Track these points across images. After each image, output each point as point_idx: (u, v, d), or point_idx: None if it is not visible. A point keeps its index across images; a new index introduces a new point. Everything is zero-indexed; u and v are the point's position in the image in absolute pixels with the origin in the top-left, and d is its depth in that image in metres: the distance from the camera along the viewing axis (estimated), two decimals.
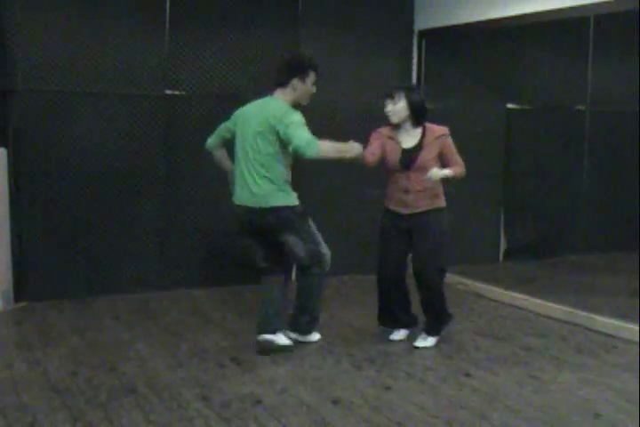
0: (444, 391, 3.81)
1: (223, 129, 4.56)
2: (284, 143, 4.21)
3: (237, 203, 4.40)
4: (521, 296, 5.63)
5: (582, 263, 6.84)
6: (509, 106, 6.90)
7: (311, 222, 4.44)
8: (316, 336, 4.64)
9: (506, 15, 5.63)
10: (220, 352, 4.36)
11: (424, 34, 6.51)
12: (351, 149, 4.26)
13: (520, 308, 5.54)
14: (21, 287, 5.34)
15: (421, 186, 4.38)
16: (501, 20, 5.69)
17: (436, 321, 4.56)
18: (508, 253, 7.07)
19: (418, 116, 4.40)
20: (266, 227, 4.36)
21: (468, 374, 4.05)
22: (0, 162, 5.12)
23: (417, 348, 4.48)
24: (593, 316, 5.04)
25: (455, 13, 6.12)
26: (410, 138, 4.43)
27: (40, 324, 4.87)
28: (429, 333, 4.56)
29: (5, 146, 5.18)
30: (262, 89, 5.78)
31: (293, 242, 4.35)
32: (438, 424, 3.40)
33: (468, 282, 6.11)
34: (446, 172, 4.34)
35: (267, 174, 4.26)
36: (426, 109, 4.43)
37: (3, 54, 5.13)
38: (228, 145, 4.55)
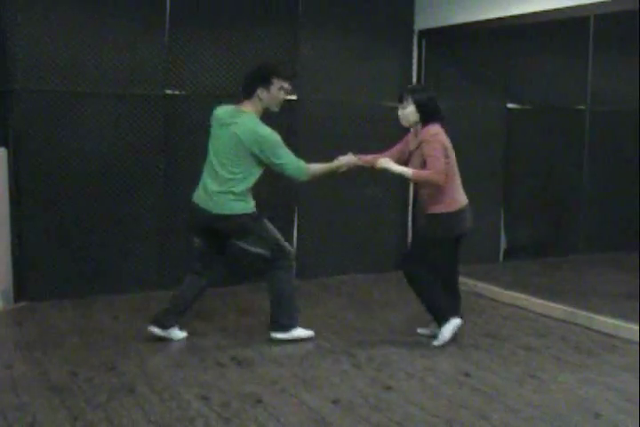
0: (444, 391, 3.81)
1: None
2: (257, 160, 4.32)
3: (195, 201, 4.48)
4: (521, 296, 5.63)
5: (582, 263, 6.84)
6: (509, 106, 6.90)
7: (268, 223, 4.51)
8: (301, 333, 4.60)
9: (506, 15, 5.63)
10: (220, 352, 4.36)
11: (424, 34, 6.51)
12: (339, 165, 4.49)
13: (520, 308, 5.54)
14: (21, 287, 5.33)
15: (423, 190, 4.49)
16: (501, 20, 5.69)
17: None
18: (507, 253, 7.07)
19: (425, 116, 4.39)
20: (221, 231, 4.47)
21: (467, 374, 4.05)
22: (0, 162, 5.12)
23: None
24: (593, 316, 5.04)
25: (455, 13, 6.12)
26: (415, 140, 4.46)
27: (40, 324, 4.87)
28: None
29: (5, 146, 5.18)
30: None
31: (253, 243, 4.45)
32: (438, 424, 3.40)
33: (468, 282, 6.11)
34: (396, 167, 4.35)
35: (230, 184, 4.34)
36: (434, 109, 4.40)
37: (3, 54, 5.13)
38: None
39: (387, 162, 4.38)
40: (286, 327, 4.56)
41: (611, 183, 7.22)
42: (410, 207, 6.70)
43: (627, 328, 4.79)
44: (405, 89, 4.61)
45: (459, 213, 4.48)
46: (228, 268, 4.90)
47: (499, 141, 6.91)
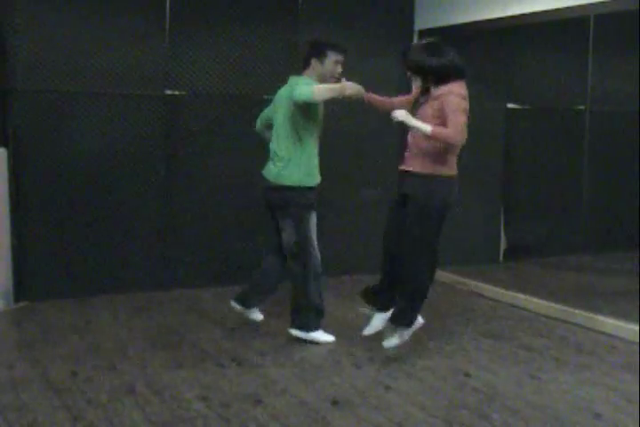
0: (444, 391, 3.81)
1: (264, 113, 4.75)
2: (302, 117, 4.39)
3: (264, 176, 4.59)
4: (521, 296, 5.63)
5: (582, 263, 6.84)
6: (509, 106, 6.90)
7: (314, 219, 4.50)
8: (320, 336, 4.59)
9: (506, 15, 5.63)
10: (220, 352, 4.37)
11: (424, 34, 6.50)
12: (344, 87, 4.33)
13: (520, 308, 5.54)
14: (21, 287, 5.33)
15: (417, 145, 4.13)
16: (501, 20, 5.68)
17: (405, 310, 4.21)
18: (507, 253, 7.07)
19: (431, 76, 4.08)
20: (271, 203, 4.56)
21: (467, 374, 4.05)
22: (0, 162, 5.12)
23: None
24: (593, 316, 5.04)
25: (455, 13, 6.12)
26: (425, 95, 4.19)
27: (40, 324, 4.87)
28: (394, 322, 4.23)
29: (5, 146, 5.18)
30: (262, 89, 5.85)
31: (289, 230, 4.48)
32: (438, 424, 3.40)
33: (468, 282, 6.11)
34: (414, 122, 3.96)
35: (283, 151, 4.45)
36: (441, 67, 4.03)
37: (3, 54, 5.12)
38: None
39: (404, 114, 3.97)
40: (302, 327, 4.58)
41: (611, 183, 7.22)
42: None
43: (627, 328, 4.79)
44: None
45: (456, 181, 4.16)
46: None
47: (499, 141, 6.90)
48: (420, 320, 4.29)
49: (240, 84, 5.90)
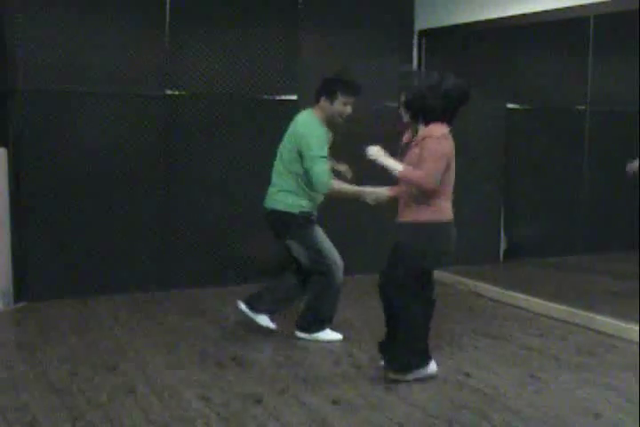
0: (444, 391, 3.81)
1: None
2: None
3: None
4: (521, 296, 5.63)
5: (582, 263, 6.84)
6: (509, 106, 6.90)
7: (317, 231, 4.49)
8: (326, 335, 4.61)
9: (506, 15, 5.63)
10: (220, 352, 4.37)
11: (424, 34, 6.51)
12: (363, 195, 4.24)
13: (520, 308, 5.54)
14: (21, 287, 5.33)
15: (405, 193, 3.91)
16: (501, 20, 5.69)
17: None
18: (507, 253, 7.07)
19: (417, 113, 3.81)
20: (271, 227, 4.55)
21: (467, 374, 4.05)
22: (0, 162, 5.12)
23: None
24: (593, 316, 5.04)
25: (455, 13, 6.12)
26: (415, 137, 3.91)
27: (40, 324, 4.87)
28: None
29: (5, 146, 5.18)
30: (262, 89, 5.85)
31: (296, 248, 4.48)
32: (438, 425, 3.40)
33: (468, 282, 6.11)
34: (386, 160, 3.76)
35: (281, 179, 4.46)
36: (426, 106, 3.75)
37: (3, 54, 5.13)
38: None
39: (376, 152, 3.81)
40: (306, 329, 4.60)
41: (611, 183, 7.22)
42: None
43: (627, 328, 4.79)
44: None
45: (446, 225, 3.84)
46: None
47: (499, 141, 6.90)
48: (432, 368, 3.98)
49: (240, 84, 5.90)
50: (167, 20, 5.59)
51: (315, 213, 4.52)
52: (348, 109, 4.47)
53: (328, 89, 4.41)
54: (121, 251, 5.65)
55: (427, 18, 6.45)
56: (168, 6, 5.57)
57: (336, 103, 4.41)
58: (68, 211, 5.44)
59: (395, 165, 3.77)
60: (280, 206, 4.44)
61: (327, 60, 6.21)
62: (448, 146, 3.78)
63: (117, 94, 5.51)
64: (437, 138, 3.73)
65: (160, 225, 5.77)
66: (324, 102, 4.42)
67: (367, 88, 6.45)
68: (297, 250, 4.48)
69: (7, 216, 5.20)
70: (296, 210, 4.42)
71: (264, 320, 4.67)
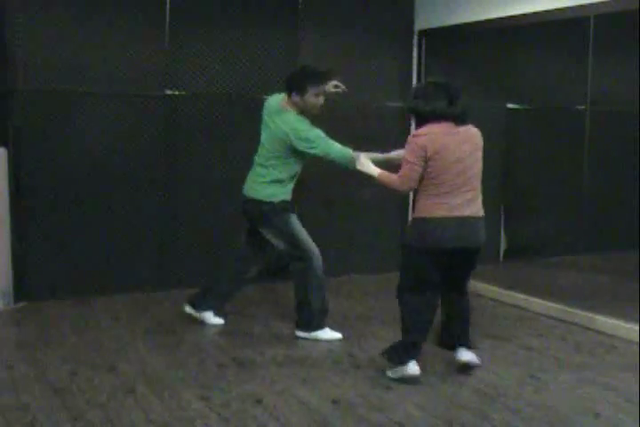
0: (444, 391, 3.81)
1: None
2: (292, 150, 4.40)
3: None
4: (521, 296, 5.63)
5: (582, 263, 6.84)
6: (509, 106, 6.90)
7: (293, 219, 4.55)
8: (325, 334, 4.61)
9: (506, 15, 5.63)
10: (220, 352, 4.36)
11: (424, 34, 6.50)
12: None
13: (520, 308, 5.54)
14: (21, 287, 5.33)
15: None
16: (501, 20, 5.68)
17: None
18: (507, 253, 7.07)
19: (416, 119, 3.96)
20: (247, 215, 4.66)
21: (467, 375, 4.05)
22: (0, 162, 5.12)
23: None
24: (593, 316, 5.04)
25: (455, 13, 6.12)
26: None
27: (40, 324, 4.87)
28: None
29: (5, 146, 5.18)
30: (262, 89, 5.85)
31: (272, 234, 4.56)
32: (438, 424, 3.40)
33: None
34: (366, 167, 4.04)
35: (264, 169, 4.52)
36: (420, 112, 3.86)
37: (3, 54, 5.13)
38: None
39: (361, 162, 4.08)
40: (304, 327, 4.61)
41: (611, 183, 7.22)
42: (410, 207, 6.70)
43: (627, 328, 4.79)
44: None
45: (437, 222, 3.81)
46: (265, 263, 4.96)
47: (499, 141, 6.90)
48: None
49: (240, 84, 5.90)
50: (167, 20, 5.58)
51: (289, 199, 4.58)
52: (321, 100, 4.46)
53: (296, 84, 4.41)
54: (121, 251, 5.65)
55: (427, 18, 6.44)
56: (168, 6, 5.57)
57: (307, 96, 4.41)
58: (68, 211, 5.44)
59: (372, 170, 4.01)
60: (259, 196, 4.51)
61: (327, 60, 6.21)
62: (424, 142, 3.75)
63: (117, 94, 5.51)
64: (412, 137, 3.81)
65: (160, 225, 5.77)
66: (295, 98, 4.43)
67: (367, 88, 6.50)
68: (275, 237, 4.55)
69: (7, 216, 5.20)
70: (275, 199, 4.49)
71: (209, 317, 4.83)
